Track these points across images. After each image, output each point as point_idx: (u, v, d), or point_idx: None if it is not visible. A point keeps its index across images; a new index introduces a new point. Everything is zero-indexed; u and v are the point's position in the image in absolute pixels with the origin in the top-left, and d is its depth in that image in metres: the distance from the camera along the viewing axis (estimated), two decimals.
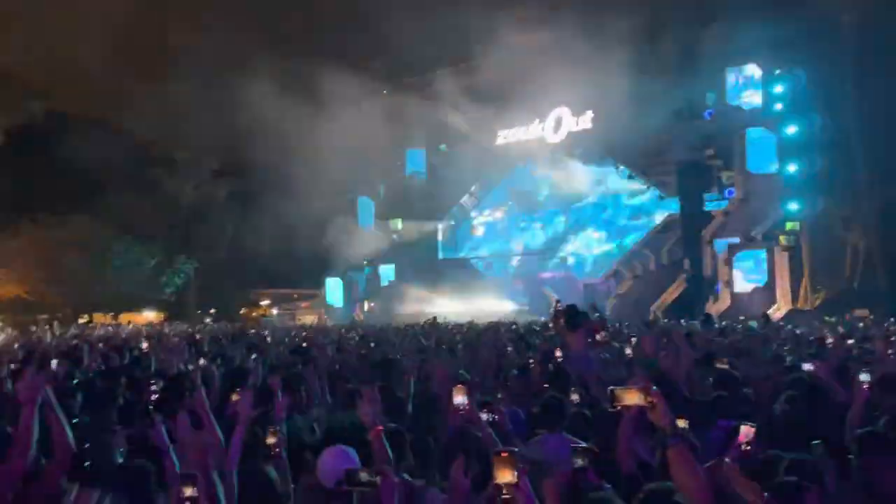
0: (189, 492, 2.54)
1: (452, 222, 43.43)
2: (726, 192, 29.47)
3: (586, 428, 4.57)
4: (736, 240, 28.41)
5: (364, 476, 2.81)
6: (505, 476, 2.28)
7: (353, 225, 46.23)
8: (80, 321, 41.09)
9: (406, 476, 3.69)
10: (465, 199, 42.17)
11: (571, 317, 8.57)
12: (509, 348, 9.23)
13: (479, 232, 42.81)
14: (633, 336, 9.47)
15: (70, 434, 3.16)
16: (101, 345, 13.31)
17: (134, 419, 5.01)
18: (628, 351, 8.04)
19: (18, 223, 40.96)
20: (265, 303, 52.93)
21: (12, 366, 7.52)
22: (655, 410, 2.54)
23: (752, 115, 28.45)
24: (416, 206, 41.27)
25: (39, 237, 41.57)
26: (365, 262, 47.35)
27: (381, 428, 3.48)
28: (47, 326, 24.85)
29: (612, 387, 2.65)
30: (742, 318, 19.71)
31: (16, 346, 14.20)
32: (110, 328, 28.04)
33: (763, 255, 27.61)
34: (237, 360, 8.80)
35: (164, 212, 48.13)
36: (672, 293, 29.56)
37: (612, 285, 33.26)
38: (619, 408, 2.63)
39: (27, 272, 41.69)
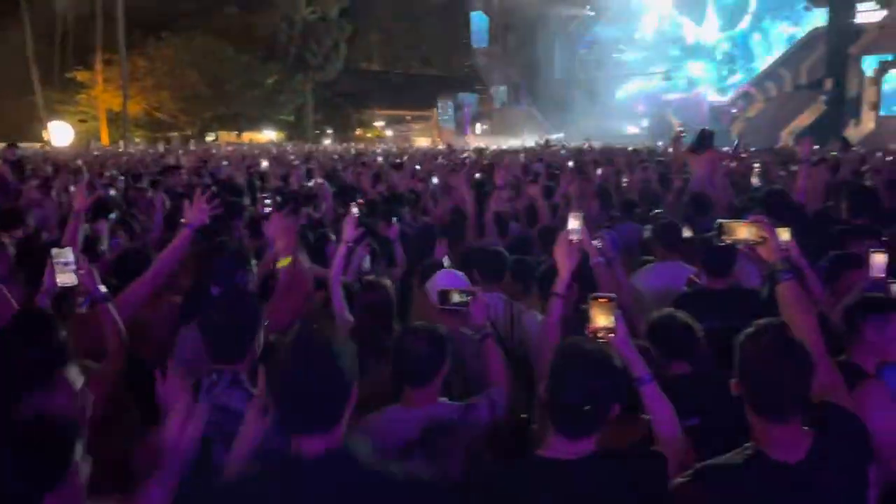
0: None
1: (570, 40, 40.98)
2: None
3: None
4: (889, 56, 25.48)
5: (455, 296, 2.90)
6: (601, 320, 2.24)
7: (466, 42, 44.85)
8: (208, 139, 43.40)
9: (504, 297, 3.71)
10: (587, 9, 39.08)
11: (697, 140, 8.37)
12: (624, 177, 8.78)
13: (603, 50, 40.29)
14: (757, 163, 8.80)
15: None
16: (225, 162, 14.01)
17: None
18: (755, 180, 7.53)
19: (145, 42, 42.32)
20: (379, 124, 53.48)
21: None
22: (766, 246, 2.35)
23: None
24: (532, 23, 39.01)
25: (164, 56, 42.99)
26: (476, 84, 46.38)
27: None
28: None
29: (720, 219, 2.44)
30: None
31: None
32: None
33: None
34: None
35: (279, 30, 48.19)
36: (807, 117, 27.34)
37: (742, 107, 31.13)
38: (727, 242, 2.44)
39: (156, 91, 43.67)
